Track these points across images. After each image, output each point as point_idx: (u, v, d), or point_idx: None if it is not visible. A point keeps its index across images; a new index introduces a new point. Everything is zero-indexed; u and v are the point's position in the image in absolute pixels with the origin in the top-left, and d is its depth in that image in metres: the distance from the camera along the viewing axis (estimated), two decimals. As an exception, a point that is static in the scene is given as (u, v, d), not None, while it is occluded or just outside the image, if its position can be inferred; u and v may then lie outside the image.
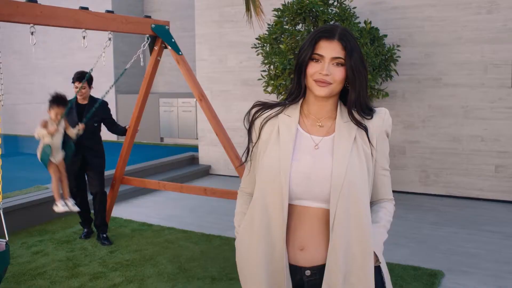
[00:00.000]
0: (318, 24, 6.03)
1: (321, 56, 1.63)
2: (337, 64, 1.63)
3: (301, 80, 1.69)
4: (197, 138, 9.79)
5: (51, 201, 5.87)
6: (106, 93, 4.89)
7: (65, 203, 4.59)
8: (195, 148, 9.75)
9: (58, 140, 4.54)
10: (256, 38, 6.40)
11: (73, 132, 4.69)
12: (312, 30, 6.09)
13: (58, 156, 4.55)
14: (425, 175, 6.97)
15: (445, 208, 6.27)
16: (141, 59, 4.59)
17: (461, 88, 6.64)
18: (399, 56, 6.43)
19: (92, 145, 5.10)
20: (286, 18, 6.19)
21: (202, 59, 8.79)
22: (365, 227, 1.62)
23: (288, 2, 6.14)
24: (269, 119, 1.75)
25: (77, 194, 5.21)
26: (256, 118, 1.77)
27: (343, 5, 6.22)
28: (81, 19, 3.76)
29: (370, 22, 6.29)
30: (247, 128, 1.79)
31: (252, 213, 1.73)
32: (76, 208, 4.67)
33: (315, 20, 6.05)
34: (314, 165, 1.65)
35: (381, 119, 1.71)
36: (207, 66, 8.72)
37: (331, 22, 6.12)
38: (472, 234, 5.25)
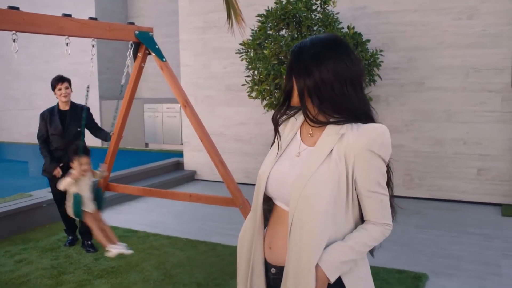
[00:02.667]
0: (302, 30, 6.06)
1: None
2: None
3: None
4: (182, 144, 9.77)
5: (34, 208, 5.86)
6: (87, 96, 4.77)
7: (116, 247, 4.25)
8: (180, 154, 9.73)
9: (86, 190, 4.31)
10: (240, 44, 6.41)
11: (98, 174, 4.57)
12: (296, 35, 6.15)
13: (90, 205, 4.31)
14: (409, 178, 7.04)
15: (429, 211, 6.33)
16: (129, 67, 4.57)
17: (444, 92, 6.72)
18: (382, 61, 6.49)
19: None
20: (270, 24, 6.22)
21: (186, 65, 8.78)
22: (316, 242, 1.59)
23: (271, 8, 6.17)
24: (283, 122, 1.86)
25: (61, 201, 5.18)
26: (279, 124, 1.87)
27: (326, 11, 6.27)
28: (64, 26, 3.74)
29: (353, 27, 6.34)
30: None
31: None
32: (130, 251, 4.32)
33: (299, 25, 6.09)
34: (288, 171, 1.70)
35: (367, 137, 1.61)
36: (191, 72, 8.72)
37: (315, 28, 6.16)
38: (455, 236, 5.31)
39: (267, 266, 1.78)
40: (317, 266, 1.59)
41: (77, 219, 4.54)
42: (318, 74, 1.61)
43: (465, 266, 4.47)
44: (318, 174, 1.61)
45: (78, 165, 4.28)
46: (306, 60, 1.64)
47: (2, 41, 12.93)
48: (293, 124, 1.80)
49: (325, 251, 1.60)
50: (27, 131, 13.30)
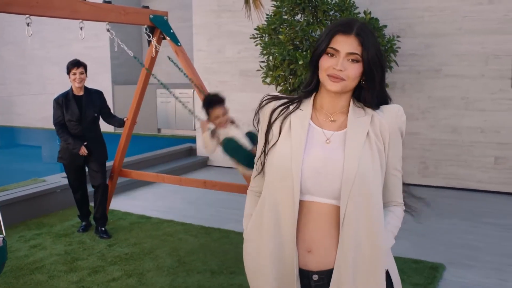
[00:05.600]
0: (318, 15, 5.96)
1: (336, 50, 1.57)
2: (352, 60, 1.57)
3: (315, 73, 1.64)
4: (194, 129, 9.73)
5: (48, 194, 5.86)
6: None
7: None
8: (192, 139, 9.70)
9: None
10: (255, 29, 6.32)
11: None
12: (311, 20, 6.04)
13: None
14: (424, 166, 6.94)
15: (445, 200, 6.24)
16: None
17: (462, 80, 6.59)
18: (399, 47, 6.38)
19: (94, 136, 5.01)
20: (285, 8, 6.12)
21: (200, 49, 8.70)
22: (377, 226, 1.56)
23: (287, -8, 6.06)
24: (281, 114, 1.68)
25: (77, 188, 5.16)
26: (268, 114, 1.70)
27: (343, -5, 6.15)
28: (79, 10, 3.69)
29: (370, 13, 6.23)
30: (257, 126, 1.74)
31: (260, 213, 1.67)
32: None
33: (315, 10, 5.98)
34: (325, 159, 1.58)
35: (394, 115, 1.64)
36: (205, 56, 8.64)
37: (331, 12, 6.05)
38: (472, 226, 5.23)
39: (303, 273, 1.61)
40: None
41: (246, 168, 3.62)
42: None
43: (483, 257, 4.40)
44: (364, 154, 1.57)
45: (214, 119, 3.72)
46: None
47: (15, 26, 12.94)
48: (300, 114, 1.66)
49: None
50: (40, 115, 13.32)
